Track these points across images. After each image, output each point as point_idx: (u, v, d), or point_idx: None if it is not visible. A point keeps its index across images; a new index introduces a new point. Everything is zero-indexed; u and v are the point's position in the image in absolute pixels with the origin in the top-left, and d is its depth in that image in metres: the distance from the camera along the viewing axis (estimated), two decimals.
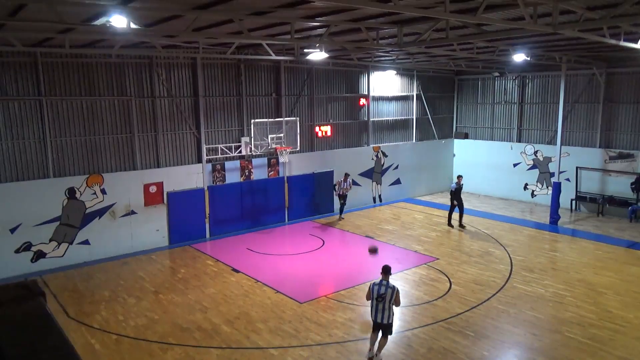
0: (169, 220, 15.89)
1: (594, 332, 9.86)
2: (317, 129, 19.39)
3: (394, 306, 8.53)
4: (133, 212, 15.17)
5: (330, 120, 19.97)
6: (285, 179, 18.58)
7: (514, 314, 10.74)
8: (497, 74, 22.64)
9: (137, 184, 15.24)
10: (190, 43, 13.91)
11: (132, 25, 9.39)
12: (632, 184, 18.69)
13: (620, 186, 19.11)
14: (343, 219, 18.80)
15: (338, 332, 9.83)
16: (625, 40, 11.17)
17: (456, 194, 17.61)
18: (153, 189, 15.49)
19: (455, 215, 17.93)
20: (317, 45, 13.44)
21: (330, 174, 19.94)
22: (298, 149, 17.92)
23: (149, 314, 10.86)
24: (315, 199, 19.57)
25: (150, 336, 9.80)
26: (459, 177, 18.27)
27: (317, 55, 14.91)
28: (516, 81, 22.51)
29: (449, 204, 18.02)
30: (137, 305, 11.31)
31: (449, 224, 17.87)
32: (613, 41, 10.98)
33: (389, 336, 8.76)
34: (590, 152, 19.93)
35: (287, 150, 17.36)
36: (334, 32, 12.05)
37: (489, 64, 20.46)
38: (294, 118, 17.88)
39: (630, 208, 18.56)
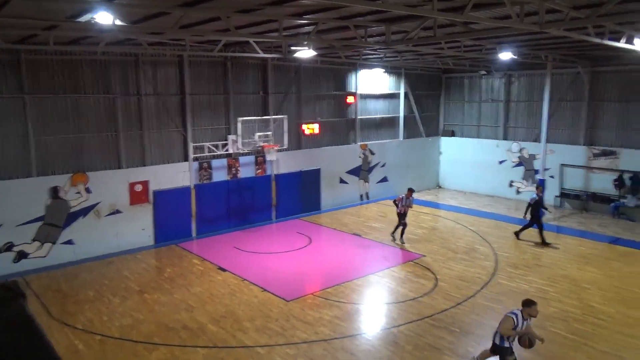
0: (154, 219, 15.76)
1: (577, 326, 10.00)
2: (304, 126, 19.36)
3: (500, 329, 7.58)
4: (118, 211, 15.02)
5: (318, 118, 19.95)
6: (273, 177, 18.54)
7: (499, 310, 10.81)
8: (483, 72, 22.81)
9: (123, 183, 15.09)
10: (177, 40, 13.80)
11: (118, 22, 9.29)
12: (614, 180, 18.97)
13: (603, 183, 19.38)
14: (404, 244, 15.49)
15: (325, 330, 9.84)
16: (609, 39, 11.31)
17: (535, 206, 15.44)
18: (139, 187, 15.35)
19: (532, 231, 15.69)
20: (305, 43, 13.43)
21: (317, 172, 19.94)
22: (286, 147, 17.86)
23: (134, 313, 10.77)
24: (302, 197, 19.56)
25: (135, 336, 9.73)
26: (539, 187, 16.19)
27: (305, 53, 14.87)
28: (502, 79, 22.68)
29: (524, 217, 15.97)
30: (122, 305, 11.21)
31: (544, 242, 15.36)
32: (597, 40, 11.11)
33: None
34: (574, 149, 20.17)
35: (275, 148, 17.30)
36: (322, 29, 12.03)
37: (475, 62, 20.59)
38: (282, 116, 17.81)
39: (612, 204, 18.86)
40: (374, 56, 18.95)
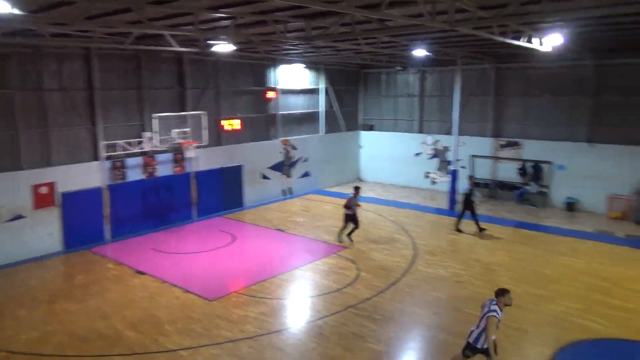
0: (63, 223, 14.69)
1: None
2: (224, 122, 18.94)
3: (484, 332, 7.09)
4: (20, 216, 13.81)
5: (238, 114, 19.61)
6: (193, 174, 17.99)
7: (418, 295, 11.34)
8: (399, 68, 23.64)
9: (24, 185, 13.88)
10: (84, 32, 12.89)
11: (15, 11, 8.51)
12: (519, 169, 20.52)
13: (509, 172, 20.89)
14: (342, 242, 15.10)
15: (250, 328, 9.73)
16: (513, 38, 12.17)
17: (469, 197, 16.12)
18: (44, 190, 14.22)
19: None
20: (223, 37, 13.11)
21: (239, 169, 19.65)
22: (205, 143, 17.38)
23: (42, 325, 9.97)
24: (225, 194, 19.19)
25: (45, 349, 9.02)
26: (471, 178, 17.12)
27: (223, 47, 14.53)
28: (417, 75, 23.65)
29: (461, 208, 16.35)
30: (28, 317, 10.34)
31: (458, 229, 16.29)
32: (501, 39, 11.90)
33: None
34: (483, 141, 21.52)
35: (194, 145, 16.79)
36: (241, 24, 11.81)
37: (392, 59, 21.25)
38: (200, 112, 17.31)
39: (517, 191, 20.39)
40: (294, 51, 18.94)
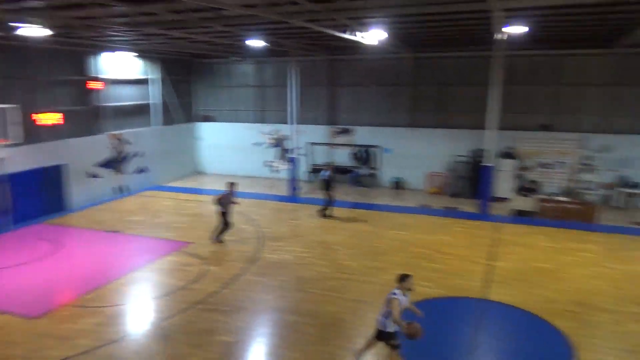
0: None
1: (330, 283, 11.34)
2: (40, 117, 16.67)
3: (392, 315, 7.15)
4: None
5: (58, 107, 17.47)
6: (5, 177, 15.54)
7: (266, 282, 11.51)
8: (236, 58, 23.46)
9: None
10: None
11: None
12: (352, 154, 22.09)
13: (343, 157, 22.33)
14: (222, 242, 14.17)
15: (84, 341, 8.81)
16: (341, 31, 12.88)
17: (327, 183, 16.81)
18: None
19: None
20: (34, 19, 11.45)
21: (63, 167, 17.58)
22: (17, 141, 15.09)
23: None
24: (46, 197, 17.02)
25: None
26: (330, 165, 17.67)
27: (34, 31, 12.71)
28: (255, 65, 23.75)
29: (325, 196, 16.88)
30: None
31: (324, 216, 16.83)
32: (331, 31, 12.54)
33: (393, 350, 7.46)
34: (319, 129, 22.62)
35: (1, 143, 14.49)
36: (56, 5, 10.48)
37: (229, 49, 20.94)
38: (7, 105, 14.96)
39: (351, 174, 21.96)
40: (121, 39, 17.47)
